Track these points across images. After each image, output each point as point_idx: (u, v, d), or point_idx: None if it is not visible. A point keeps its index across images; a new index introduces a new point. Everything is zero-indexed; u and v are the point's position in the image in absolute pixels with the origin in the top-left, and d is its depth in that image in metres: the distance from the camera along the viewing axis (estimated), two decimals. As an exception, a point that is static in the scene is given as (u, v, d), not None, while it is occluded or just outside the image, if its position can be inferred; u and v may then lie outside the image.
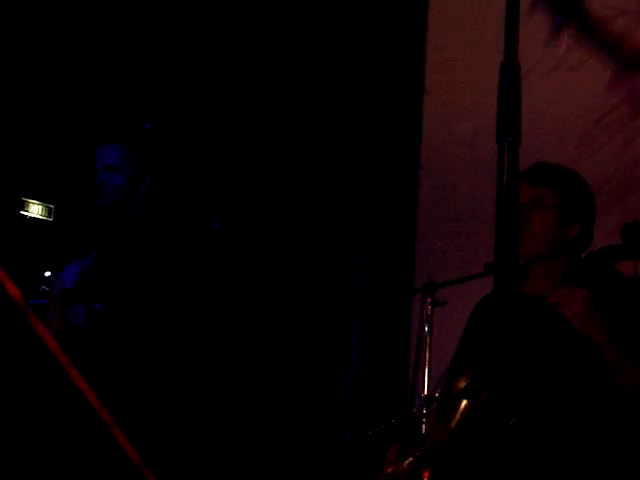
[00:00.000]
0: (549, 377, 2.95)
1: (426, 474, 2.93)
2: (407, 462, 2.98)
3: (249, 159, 5.84)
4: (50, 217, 5.25)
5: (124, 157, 3.94)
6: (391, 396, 5.14)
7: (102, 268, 3.91)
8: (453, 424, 2.95)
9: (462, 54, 5.70)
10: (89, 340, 3.81)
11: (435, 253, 5.67)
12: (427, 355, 4.71)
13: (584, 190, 3.23)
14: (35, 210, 5.18)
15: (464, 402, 2.97)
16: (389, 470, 3.05)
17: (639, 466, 2.98)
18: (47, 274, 4.14)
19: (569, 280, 3.04)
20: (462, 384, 3.02)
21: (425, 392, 4.63)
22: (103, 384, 3.72)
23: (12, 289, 0.99)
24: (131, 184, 3.94)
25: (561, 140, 5.24)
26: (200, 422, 4.03)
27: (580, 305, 2.94)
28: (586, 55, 5.25)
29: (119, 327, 3.83)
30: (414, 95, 5.84)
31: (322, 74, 5.87)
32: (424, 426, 3.19)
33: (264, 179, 5.86)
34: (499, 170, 1.87)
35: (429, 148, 5.84)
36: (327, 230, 5.84)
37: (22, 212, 5.13)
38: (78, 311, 3.83)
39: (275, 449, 5.59)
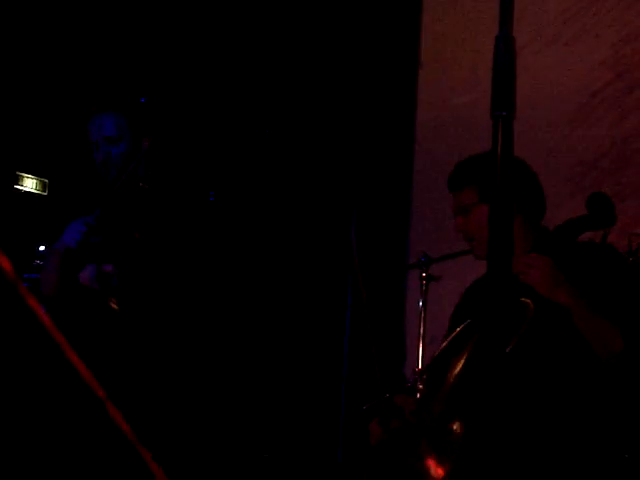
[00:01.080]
0: (524, 349, 2.95)
1: (419, 446, 2.95)
2: (386, 438, 3.02)
3: (245, 135, 5.83)
4: (45, 191, 5.24)
5: (119, 125, 3.87)
6: (386, 370, 5.15)
7: (107, 228, 3.86)
8: (436, 395, 2.98)
9: (458, 28, 5.69)
10: (103, 303, 3.79)
11: (430, 228, 5.67)
12: (421, 329, 4.73)
13: (522, 177, 3.19)
14: (29, 184, 5.17)
15: (442, 374, 2.99)
16: (375, 441, 3.07)
17: (614, 423, 3.01)
18: (41, 248, 4.12)
19: (537, 251, 3.05)
20: (440, 351, 3.06)
21: (419, 366, 4.64)
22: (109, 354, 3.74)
23: (5, 263, 0.99)
24: (132, 148, 3.87)
25: (556, 115, 5.24)
26: (195, 396, 4.03)
27: (541, 270, 2.94)
28: (582, 30, 5.24)
29: (127, 289, 3.80)
30: (409, 69, 5.83)
31: (316, 50, 5.85)
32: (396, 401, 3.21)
33: (260, 156, 5.85)
34: (493, 144, 1.87)
35: (424, 122, 5.84)
36: (322, 206, 5.83)
37: (16, 186, 5.12)
38: (91, 274, 3.79)
39: (270, 424, 5.61)
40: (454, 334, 3.10)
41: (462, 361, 2.96)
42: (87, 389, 1.00)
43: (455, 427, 2.79)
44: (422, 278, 4.75)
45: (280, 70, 5.87)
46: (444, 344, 3.12)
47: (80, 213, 3.93)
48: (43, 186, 5.22)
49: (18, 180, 5.12)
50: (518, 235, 3.11)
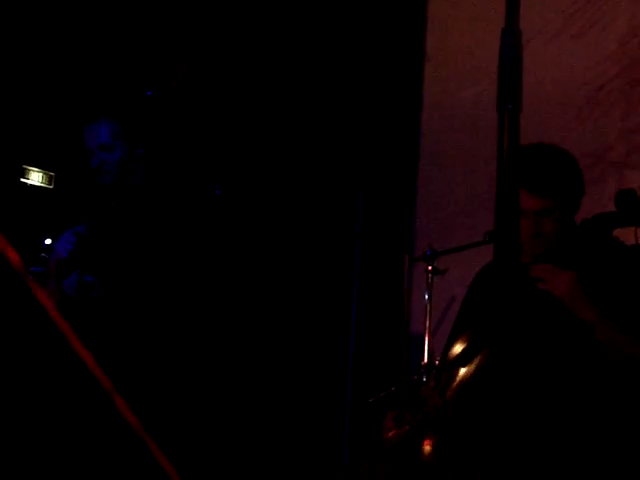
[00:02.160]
0: (547, 344, 2.96)
1: (427, 441, 2.95)
2: (405, 429, 3.01)
3: (250, 124, 5.83)
4: (50, 184, 5.25)
5: (114, 132, 3.94)
6: (391, 364, 5.16)
7: (97, 237, 3.92)
8: (449, 392, 2.98)
9: (464, 21, 5.68)
10: (79, 312, 3.82)
11: (435, 221, 5.67)
12: (427, 323, 4.72)
13: (580, 180, 3.23)
14: (35, 177, 5.18)
15: (461, 370, 2.99)
16: (389, 435, 3.07)
17: (634, 437, 3.01)
18: (47, 242, 4.15)
19: (562, 247, 3.06)
20: (458, 351, 3.06)
21: (425, 360, 4.64)
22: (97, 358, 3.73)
23: (13, 256, 1.00)
24: (127, 155, 3.95)
25: (562, 108, 5.23)
26: (196, 390, 4.04)
27: (567, 285, 2.97)
28: (588, 23, 5.23)
29: (112, 298, 3.84)
30: (415, 62, 5.82)
31: (324, 44, 5.85)
32: (421, 393, 3.22)
33: (266, 145, 5.85)
34: (499, 138, 1.86)
35: (430, 116, 5.83)
36: (328, 199, 5.83)
37: (22, 179, 5.13)
38: (72, 284, 3.85)
39: (276, 417, 5.61)
40: (474, 330, 3.10)
41: (484, 361, 2.96)
42: (94, 381, 1.00)
43: (480, 431, 2.79)
44: (428, 271, 4.76)
45: (287, 62, 5.86)
46: (464, 340, 3.11)
47: (83, 209, 3.98)
48: (49, 179, 5.23)
49: (24, 173, 5.13)
50: (556, 230, 3.14)
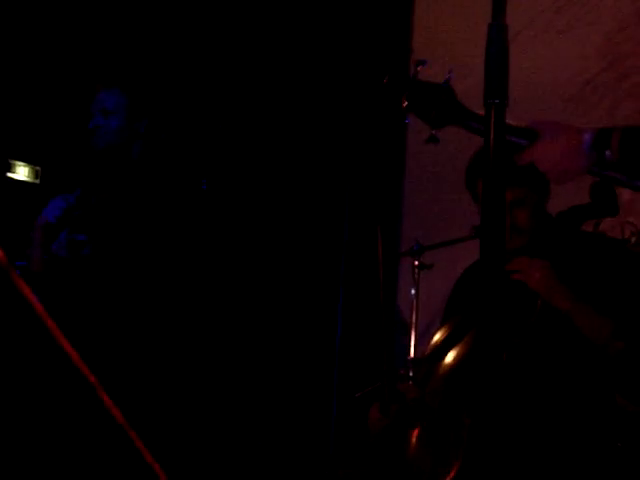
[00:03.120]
0: (527, 335, 2.97)
1: (408, 432, 2.97)
2: (386, 422, 3.05)
3: (238, 121, 5.83)
4: (37, 179, 5.23)
5: (118, 102, 4.01)
6: (378, 359, 5.16)
7: (88, 205, 3.95)
8: (431, 382, 3.00)
9: (451, 14, 5.69)
10: (71, 271, 3.83)
11: (422, 216, 5.67)
12: (414, 318, 4.73)
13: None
14: (22, 172, 5.16)
15: (440, 361, 3.02)
16: (374, 427, 3.09)
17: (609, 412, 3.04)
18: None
19: (538, 239, 3.09)
20: (438, 342, 3.09)
21: (412, 354, 4.65)
22: (85, 319, 3.75)
23: (-3, 250, 0.99)
24: (125, 127, 4.00)
25: (549, 103, 5.24)
26: (183, 383, 4.04)
27: (541, 274, 2.99)
28: (575, 18, 5.24)
29: (102, 261, 3.84)
30: (401, 57, 5.82)
31: (309, 38, 5.84)
32: (399, 388, 3.26)
33: (253, 144, 5.85)
34: (486, 132, 1.87)
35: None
36: (314, 193, 5.83)
37: (8, 174, 5.11)
38: (61, 241, 3.87)
39: (262, 412, 5.61)
40: (454, 322, 3.12)
41: (464, 350, 2.98)
42: (79, 375, 1.00)
43: (461, 419, 2.80)
44: (414, 266, 4.76)
45: (274, 60, 5.86)
46: (443, 332, 3.14)
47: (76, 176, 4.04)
48: (35, 174, 5.21)
49: (10, 168, 5.11)
50: (532, 221, 3.16)
